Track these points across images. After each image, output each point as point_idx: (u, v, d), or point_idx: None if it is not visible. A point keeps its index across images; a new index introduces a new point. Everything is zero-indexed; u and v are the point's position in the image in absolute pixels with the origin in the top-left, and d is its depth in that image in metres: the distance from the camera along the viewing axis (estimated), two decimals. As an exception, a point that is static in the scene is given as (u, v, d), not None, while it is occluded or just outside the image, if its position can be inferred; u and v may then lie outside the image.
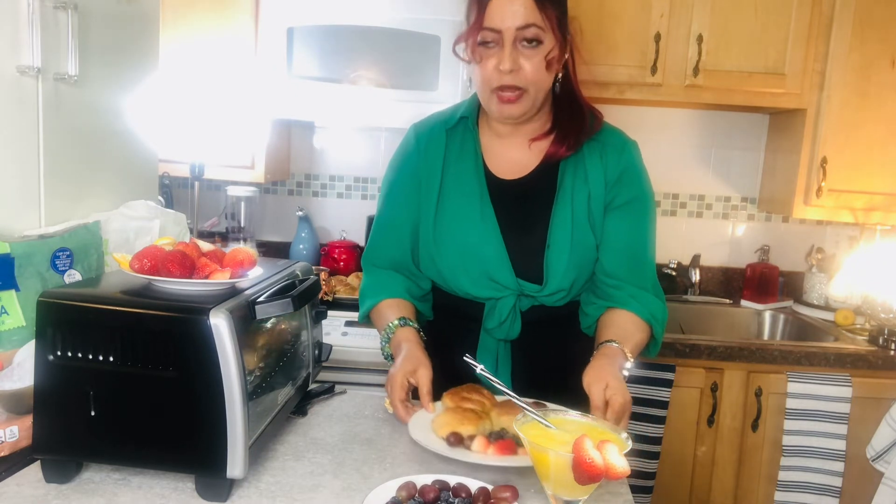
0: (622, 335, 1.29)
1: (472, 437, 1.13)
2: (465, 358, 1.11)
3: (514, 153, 1.39)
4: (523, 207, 1.36)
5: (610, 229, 1.36)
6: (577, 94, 1.37)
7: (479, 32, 1.25)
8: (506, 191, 1.37)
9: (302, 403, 1.30)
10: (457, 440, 1.13)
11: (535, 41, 1.24)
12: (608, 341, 1.27)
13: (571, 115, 1.36)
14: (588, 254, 1.35)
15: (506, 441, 1.11)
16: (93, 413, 0.94)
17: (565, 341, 1.41)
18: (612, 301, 1.35)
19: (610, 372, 1.17)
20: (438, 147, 1.40)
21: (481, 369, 1.08)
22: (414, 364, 1.27)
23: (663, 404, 2.17)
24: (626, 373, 1.24)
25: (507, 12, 1.22)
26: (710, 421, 2.22)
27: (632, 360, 1.27)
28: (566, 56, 1.32)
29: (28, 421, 0.99)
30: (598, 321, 1.37)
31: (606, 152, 1.36)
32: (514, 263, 1.34)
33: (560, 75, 1.33)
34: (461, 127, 1.42)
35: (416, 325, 1.37)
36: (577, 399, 1.17)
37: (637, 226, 1.38)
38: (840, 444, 2.16)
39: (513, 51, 1.24)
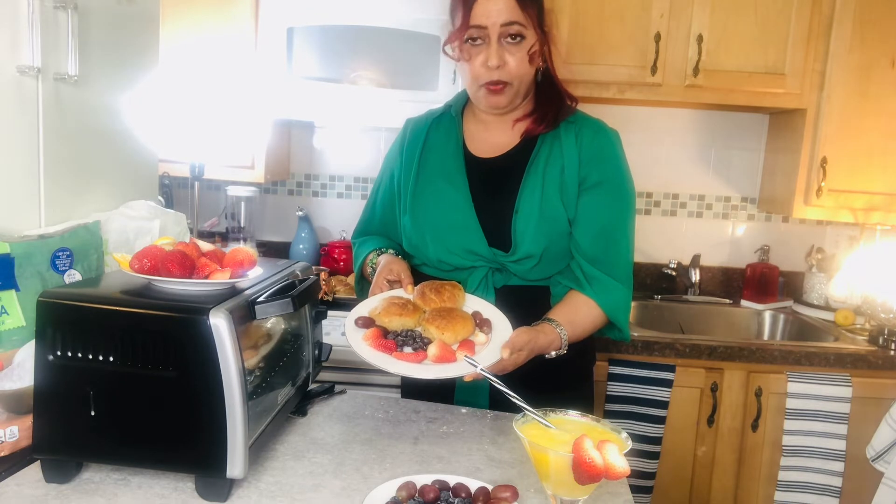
0: (571, 319, 1.36)
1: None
2: (464, 357, 1.12)
3: (495, 136, 1.48)
4: (498, 180, 1.44)
5: (584, 208, 1.41)
6: (556, 81, 1.47)
7: (466, 31, 1.35)
8: (483, 167, 1.46)
9: (302, 403, 1.30)
10: (365, 324, 1.20)
11: (519, 37, 1.35)
12: (557, 325, 1.33)
13: (550, 98, 1.46)
14: (558, 225, 1.40)
15: (415, 353, 1.15)
16: (93, 413, 0.94)
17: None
18: (577, 284, 1.40)
19: (531, 346, 1.25)
20: (420, 134, 1.52)
21: (481, 369, 1.08)
22: (388, 264, 1.39)
23: (663, 404, 2.17)
24: (553, 355, 1.32)
25: (492, 10, 1.33)
26: (710, 421, 2.23)
27: (565, 350, 1.34)
28: (545, 48, 1.42)
29: (28, 421, 0.99)
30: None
31: (583, 133, 1.44)
32: (485, 231, 1.41)
33: (541, 66, 1.43)
34: (446, 117, 1.53)
35: (394, 252, 1.48)
36: (550, 385, 1.26)
37: (612, 208, 1.42)
38: (840, 444, 2.16)
39: (499, 47, 1.35)
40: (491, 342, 1.21)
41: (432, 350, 1.14)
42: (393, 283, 1.36)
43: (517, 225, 1.39)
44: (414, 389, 1.53)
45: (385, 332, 1.19)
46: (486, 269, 1.41)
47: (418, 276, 1.47)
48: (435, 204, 1.45)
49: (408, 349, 1.15)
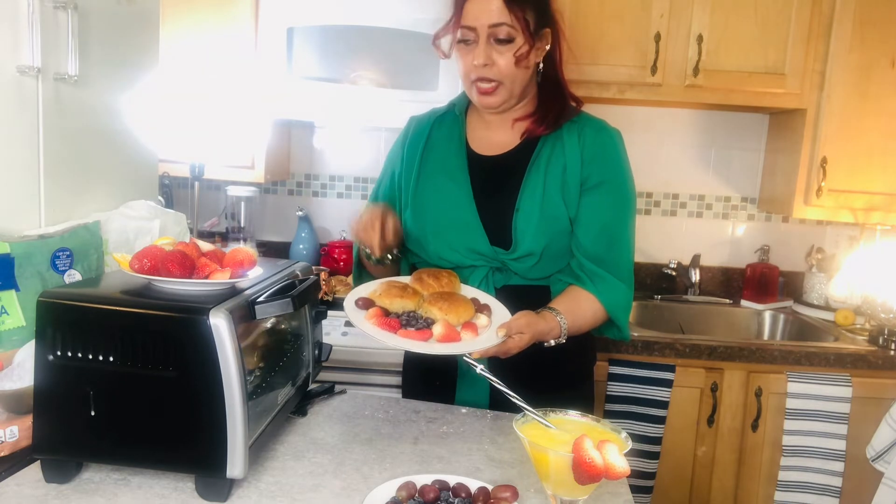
0: (572, 310, 1.36)
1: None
2: (464, 357, 1.12)
3: (498, 134, 1.48)
4: (499, 178, 1.45)
5: (586, 207, 1.41)
6: (561, 83, 1.47)
7: (457, 30, 1.37)
8: (485, 165, 1.46)
9: (302, 403, 1.30)
10: (365, 305, 1.19)
11: (507, 38, 1.35)
12: (557, 313, 1.33)
13: (553, 99, 1.46)
14: (558, 224, 1.40)
15: (419, 331, 1.14)
16: (93, 413, 0.94)
17: None
18: (579, 281, 1.41)
19: (532, 330, 1.25)
20: (423, 132, 1.52)
21: (481, 369, 1.08)
22: (383, 209, 1.35)
23: (663, 404, 2.17)
24: (552, 343, 1.32)
25: (481, 11, 1.34)
26: (710, 421, 2.23)
27: (564, 339, 1.34)
28: (547, 48, 1.42)
29: (28, 421, 0.99)
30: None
31: (585, 132, 1.44)
32: (486, 228, 1.41)
33: (542, 66, 1.43)
34: (450, 115, 1.54)
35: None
36: (550, 385, 1.28)
37: (614, 208, 1.43)
38: (840, 444, 2.16)
39: (486, 47, 1.36)
40: (492, 325, 1.22)
41: (438, 329, 1.14)
42: (385, 221, 1.34)
43: (518, 223, 1.40)
44: (415, 389, 1.53)
45: (386, 313, 1.19)
46: (487, 268, 1.42)
47: None
48: (436, 201, 1.45)
49: (411, 329, 1.16)
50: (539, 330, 1.28)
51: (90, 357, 0.94)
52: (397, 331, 1.14)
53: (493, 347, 1.18)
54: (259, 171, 2.54)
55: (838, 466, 2.17)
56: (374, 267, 1.45)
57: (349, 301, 1.20)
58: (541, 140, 1.44)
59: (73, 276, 1.20)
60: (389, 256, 1.41)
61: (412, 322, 1.16)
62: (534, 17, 1.36)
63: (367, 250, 1.41)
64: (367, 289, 1.25)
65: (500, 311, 1.27)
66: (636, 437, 2.08)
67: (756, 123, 2.81)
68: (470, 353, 1.14)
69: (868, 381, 2.18)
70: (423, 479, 0.98)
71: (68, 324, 0.94)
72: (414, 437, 1.22)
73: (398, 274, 1.50)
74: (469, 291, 1.32)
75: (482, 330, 1.20)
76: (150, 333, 0.93)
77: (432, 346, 1.13)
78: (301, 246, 2.74)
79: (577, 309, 1.37)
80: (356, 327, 1.14)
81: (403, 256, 1.48)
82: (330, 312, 1.47)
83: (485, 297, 1.30)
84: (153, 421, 0.95)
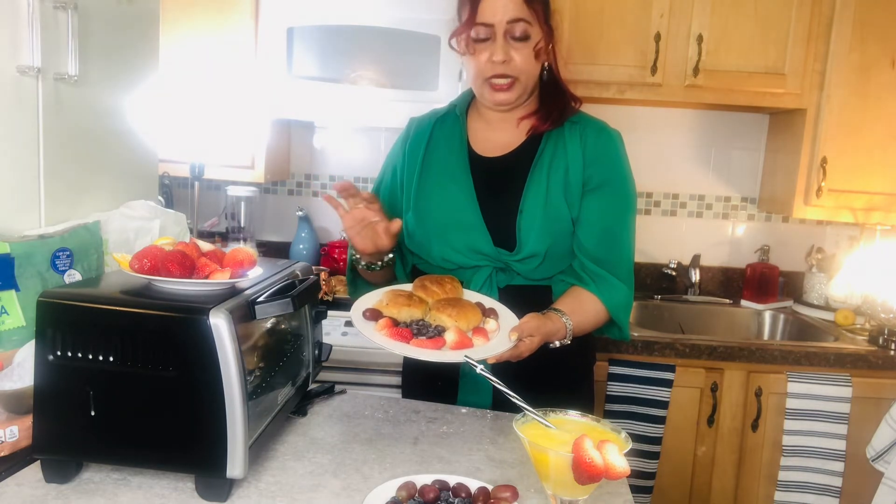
0: (576, 310, 1.36)
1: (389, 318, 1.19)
2: (465, 357, 1.12)
3: (500, 135, 1.48)
4: (502, 179, 1.44)
5: (588, 209, 1.41)
6: (560, 80, 1.48)
7: (472, 28, 1.36)
8: (487, 166, 1.46)
9: (302, 403, 1.30)
10: (373, 316, 1.18)
11: (524, 33, 1.35)
12: (563, 314, 1.33)
13: (555, 96, 1.46)
14: (561, 225, 1.40)
15: (432, 339, 1.14)
16: (93, 413, 0.94)
17: None
18: (581, 282, 1.41)
19: (542, 332, 1.26)
20: (424, 134, 1.52)
21: (481, 369, 1.08)
22: (377, 211, 1.33)
23: (663, 404, 2.17)
24: (557, 344, 1.33)
25: (498, 7, 1.33)
26: (710, 421, 2.23)
27: (569, 340, 1.34)
28: (552, 45, 1.43)
29: (28, 421, 0.99)
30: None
31: (587, 133, 1.45)
32: (490, 230, 1.41)
33: (547, 64, 1.44)
34: (451, 116, 1.53)
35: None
36: (550, 384, 1.30)
37: (615, 210, 1.43)
38: (840, 444, 2.16)
39: (504, 43, 1.35)
40: (501, 329, 1.22)
41: (450, 336, 1.15)
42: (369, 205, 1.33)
43: (521, 224, 1.40)
44: (414, 391, 1.52)
45: (395, 323, 1.19)
46: (491, 268, 1.41)
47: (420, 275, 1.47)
48: (439, 202, 1.45)
49: (422, 338, 1.16)
50: (547, 331, 1.28)
51: (90, 357, 0.94)
52: (410, 340, 1.14)
53: (507, 352, 1.18)
54: (259, 171, 2.55)
55: (838, 466, 2.17)
56: (367, 272, 1.45)
57: (356, 313, 1.20)
58: (543, 140, 1.44)
59: (73, 276, 1.20)
60: (380, 263, 1.41)
61: (423, 331, 1.16)
62: (545, 10, 1.38)
63: (357, 255, 1.41)
64: (372, 299, 1.25)
65: (507, 315, 1.27)
66: (636, 437, 2.08)
67: (756, 123, 2.82)
68: (486, 359, 1.14)
69: (868, 381, 2.19)
70: (423, 479, 0.98)
71: (68, 324, 0.94)
72: (414, 437, 1.22)
73: (392, 278, 1.49)
74: (472, 296, 1.32)
75: (492, 334, 1.21)
76: (150, 333, 0.93)
77: (447, 354, 1.13)
78: (301, 246, 2.74)
79: (580, 309, 1.38)
80: (368, 339, 1.13)
81: (393, 263, 1.47)
82: (330, 312, 1.47)
83: (489, 302, 1.30)
84: (153, 421, 0.95)
